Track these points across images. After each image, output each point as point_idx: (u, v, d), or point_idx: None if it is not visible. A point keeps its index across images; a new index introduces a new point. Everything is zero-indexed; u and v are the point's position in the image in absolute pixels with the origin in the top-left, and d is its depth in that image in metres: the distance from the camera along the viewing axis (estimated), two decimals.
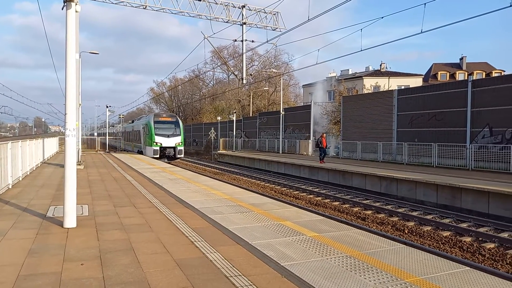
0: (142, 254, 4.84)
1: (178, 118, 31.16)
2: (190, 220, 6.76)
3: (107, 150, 37.04)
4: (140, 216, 7.10)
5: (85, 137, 42.36)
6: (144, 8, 19.65)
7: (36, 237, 5.60)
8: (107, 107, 42.27)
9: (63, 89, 6.64)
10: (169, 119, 30.04)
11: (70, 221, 6.18)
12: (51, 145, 24.33)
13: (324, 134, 23.33)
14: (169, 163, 23.88)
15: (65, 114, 6.26)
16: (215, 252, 4.94)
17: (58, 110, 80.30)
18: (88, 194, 9.55)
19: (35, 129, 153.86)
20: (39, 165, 17.06)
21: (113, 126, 65.41)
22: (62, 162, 6.91)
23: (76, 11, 6.39)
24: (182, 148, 29.23)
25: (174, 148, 28.48)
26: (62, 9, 6.31)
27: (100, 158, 23.99)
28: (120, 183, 11.93)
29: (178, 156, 28.76)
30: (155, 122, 28.69)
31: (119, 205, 8.17)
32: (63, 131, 6.63)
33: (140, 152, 31.42)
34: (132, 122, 43.83)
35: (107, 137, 41.54)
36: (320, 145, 21.71)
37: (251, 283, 3.93)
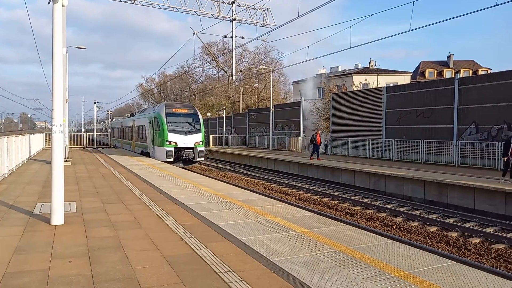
0: (131, 251, 4.81)
1: (197, 109, 23.21)
2: (179, 217, 6.74)
3: (95, 146, 36.65)
4: (129, 213, 7.05)
5: (72, 133, 41.80)
6: (133, 3, 19.44)
7: (22, 235, 5.52)
8: (94, 103, 41.74)
9: (50, 85, 6.54)
10: (186, 111, 22.13)
11: (58, 218, 6.10)
12: (37, 141, 23.94)
13: (319, 131, 23.47)
14: (184, 168, 18.27)
15: (52, 110, 6.16)
16: (205, 249, 4.94)
17: (44, 106, 78.99)
18: (75, 191, 9.44)
19: (21, 125, 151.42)
20: (25, 161, 16.79)
21: (104, 122, 59.91)
22: (49, 159, 6.82)
23: (63, 5, 6.29)
24: (203, 148, 21.82)
25: (193, 149, 21.05)
26: (49, 3, 6.20)
27: (88, 154, 23.71)
28: (109, 179, 11.82)
29: (198, 159, 21.58)
30: (167, 115, 21.11)
31: (108, 202, 8.10)
32: (50, 127, 6.53)
33: (146, 154, 24.11)
34: (131, 115, 35.37)
35: (95, 133, 41.05)
36: (314, 142, 21.81)
37: (241, 279, 3.95)
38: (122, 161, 18.54)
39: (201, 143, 21.36)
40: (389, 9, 32.42)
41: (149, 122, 23.51)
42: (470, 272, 4.22)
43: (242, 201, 8.31)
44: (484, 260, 8.16)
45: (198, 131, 21.55)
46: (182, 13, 22.71)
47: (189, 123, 21.69)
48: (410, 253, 4.86)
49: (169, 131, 20.65)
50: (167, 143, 20.46)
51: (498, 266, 7.79)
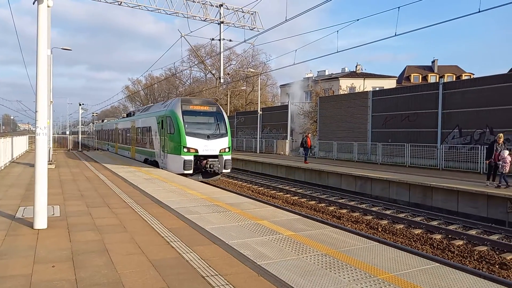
0: (117, 255, 4.76)
1: (220, 107, 18.38)
2: (166, 220, 6.68)
3: (80, 149, 36.10)
4: (114, 217, 6.97)
5: (56, 135, 41.12)
6: (119, 4, 19.28)
7: (4, 239, 5.40)
8: (80, 105, 41.20)
9: (34, 86, 6.43)
10: (207, 108, 17.45)
11: (41, 222, 6.00)
12: (20, 144, 23.48)
13: (309, 134, 23.62)
14: (204, 182, 14.17)
15: (36, 111, 6.07)
16: (191, 252, 4.91)
17: (28, 108, 77.53)
18: (59, 194, 9.28)
19: (3, 127, 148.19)
20: (7, 164, 16.44)
21: (93, 123, 54.86)
22: (32, 162, 6.70)
23: (48, 6, 6.20)
24: (230, 156, 16.94)
25: (217, 157, 16.37)
26: (34, 3, 6.11)
27: (73, 157, 23.35)
28: (93, 183, 11.66)
29: (224, 170, 16.71)
30: (184, 113, 16.43)
31: (92, 206, 7.99)
32: (34, 129, 6.42)
33: (152, 163, 19.35)
34: (129, 115, 28.67)
35: (80, 135, 40.47)
36: (305, 145, 21.92)
37: (228, 283, 3.94)
38: (107, 164, 18.15)
39: (227, 149, 16.60)
40: (375, 14, 32.93)
41: (158, 123, 18.42)
42: (453, 274, 4.30)
43: (229, 204, 8.29)
44: (467, 262, 8.30)
45: (224, 134, 16.74)
46: (169, 15, 22.55)
47: (212, 124, 17.01)
48: (395, 256, 4.92)
49: (187, 134, 15.82)
50: (185, 150, 15.67)
51: (481, 268, 7.93)
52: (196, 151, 15.80)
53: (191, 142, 15.76)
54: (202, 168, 16.15)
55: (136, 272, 4.20)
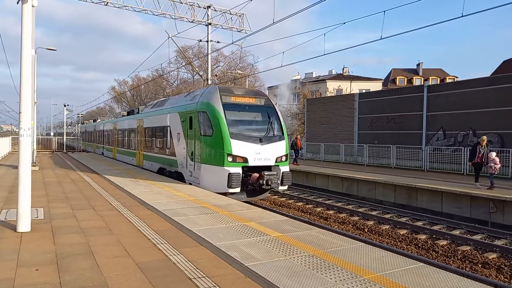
0: (102, 258, 4.70)
1: (270, 99, 13.78)
2: (152, 223, 6.64)
3: (65, 150, 35.55)
4: (100, 219, 6.89)
5: (40, 137, 40.43)
6: (106, 5, 19.08)
7: None
8: (64, 105, 40.60)
9: (17, 87, 6.33)
10: (253, 101, 12.89)
11: (24, 225, 5.89)
12: (3, 145, 23.01)
13: (299, 136, 23.74)
14: (250, 203, 10.75)
15: (19, 112, 5.97)
16: (178, 254, 4.89)
17: (11, 109, 75.85)
18: (43, 197, 9.12)
19: None
20: None
21: (83, 123, 50.79)
22: (16, 163, 6.57)
23: (32, 6, 6.11)
24: (288, 166, 12.50)
25: (270, 168, 12.00)
26: (18, 3, 6.02)
27: (57, 159, 22.98)
28: (79, 185, 11.49)
29: (281, 187, 12.35)
30: (226, 107, 12.03)
31: (77, 208, 7.88)
32: (17, 130, 6.30)
33: (171, 175, 14.52)
34: (130, 113, 23.79)
35: (65, 137, 39.85)
36: (295, 147, 22.05)
37: (215, 284, 3.93)
38: (93, 166, 17.82)
39: (285, 158, 12.21)
40: (362, 18, 33.33)
41: (183, 121, 13.53)
42: (437, 273, 4.37)
43: (217, 206, 8.28)
44: (451, 262, 8.45)
45: (281, 137, 12.33)
46: (156, 16, 22.41)
47: (263, 122, 12.51)
48: (381, 256, 4.98)
49: (232, 137, 11.38)
50: (229, 159, 11.28)
51: (464, 267, 8.08)
52: (245, 160, 11.38)
53: (238, 148, 11.33)
54: (251, 184, 11.62)
55: (122, 275, 4.16)
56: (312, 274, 4.26)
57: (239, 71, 48.22)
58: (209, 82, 23.48)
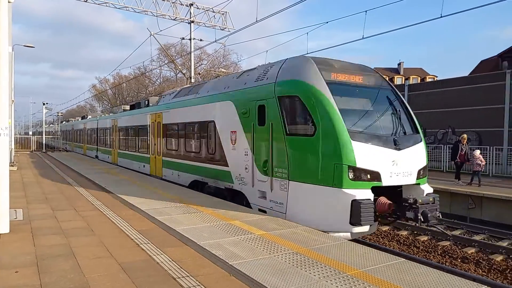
0: (84, 259, 4.62)
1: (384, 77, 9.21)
2: (136, 222, 6.56)
3: (44, 150, 34.75)
4: (81, 220, 6.76)
5: (18, 136, 39.42)
6: (85, 1, 18.72)
7: None
8: (43, 104, 39.69)
9: None
10: (363, 80, 8.15)
11: (3, 226, 5.75)
12: None
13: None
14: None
15: None
16: (162, 254, 4.85)
17: None
18: (22, 197, 8.91)
19: None
20: None
21: (68, 121, 46.54)
22: None
23: (9, 1, 5.94)
24: (426, 181, 7.89)
25: (410, 189, 7.42)
26: None
27: (36, 158, 22.44)
28: (59, 185, 11.26)
29: (433, 221, 6.98)
30: (332, 88, 7.28)
31: (58, 209, 7.72)
32: None
33: (219, 193, 9.91)
34: (135, 107, 19.05)
35: (44, 136, 38.98)
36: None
37: (199, 283, 3.92)
38: (74, 165, 17.45)
39: (424, 171, 7.86)
40: (344, 17, 33.73)
41: (245, 112, 8.90)
42: (418, 268, 4.47)
43: (201, 205, 8.24)
44: (431, 257, 8.64)
45: (416, 137, 8.06)
46: (138, 13, 22.11)
47: (386, 113, 8.21)
48: (364, 252, 5.05)
49: (353, 137, 6.89)
50: (350, 174, 6.76)
51: (444, 262, 8.29)
52: (377, 177, 6.95)
53: (365, 156, 6.89)
54: (378, 213, 6.98)
55: (105, 276, 4.10)
56: (296, 271, 4.29)
57: (222, 70, 48.06)
58: (193, 80, 23.32)
